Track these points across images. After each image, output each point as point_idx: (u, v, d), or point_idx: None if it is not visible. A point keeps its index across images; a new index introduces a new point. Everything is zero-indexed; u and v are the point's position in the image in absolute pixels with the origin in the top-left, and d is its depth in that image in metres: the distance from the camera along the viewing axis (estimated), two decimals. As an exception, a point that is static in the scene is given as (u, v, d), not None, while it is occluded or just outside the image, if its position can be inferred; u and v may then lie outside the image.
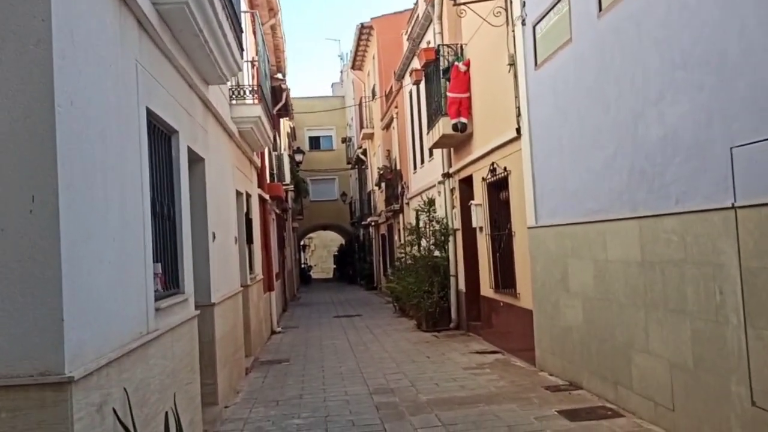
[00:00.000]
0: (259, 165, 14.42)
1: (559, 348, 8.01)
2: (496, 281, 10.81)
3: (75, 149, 3.38)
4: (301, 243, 46.25)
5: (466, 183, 12.78)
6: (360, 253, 36.98)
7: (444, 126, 11.96)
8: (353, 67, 33.35)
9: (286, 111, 25.68)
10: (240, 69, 7.65)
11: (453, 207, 13.72)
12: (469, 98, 11.84)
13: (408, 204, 20.51)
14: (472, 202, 11.81)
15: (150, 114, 5.06)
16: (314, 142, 44.61)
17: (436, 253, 14.35)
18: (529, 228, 8.92)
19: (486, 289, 11.48)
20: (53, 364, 3.10)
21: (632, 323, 6.09)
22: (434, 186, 15.36)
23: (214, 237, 7.65)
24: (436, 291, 13.87)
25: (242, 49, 7.55)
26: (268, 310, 14.88)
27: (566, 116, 7.52)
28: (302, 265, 44.36)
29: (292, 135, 34.50)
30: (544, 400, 7.04)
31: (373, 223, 30.11)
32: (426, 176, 16.84)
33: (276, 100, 22.05)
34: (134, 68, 4.63)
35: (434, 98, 12.88)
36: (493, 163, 10.45)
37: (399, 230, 22.25)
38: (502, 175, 10.06)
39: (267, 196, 15.51)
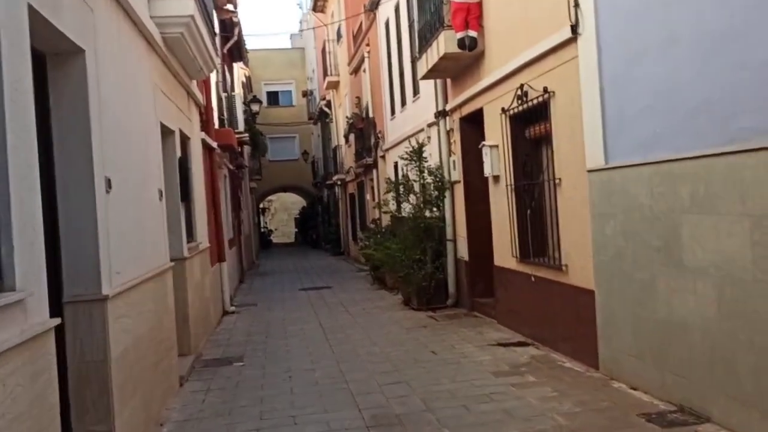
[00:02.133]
0: (204, 103, 11.27)
1: (655, 351, 5.26)
2: (523, 248, 8.02)
3: None
4: (260, 206, 43.03)
5: (472, 121, 9.88)
6: (324, 216, 34.10)
7: (446, 42, 8.95)
8: (315, 9, 30.01)
9: (239, 53, 22.34)
10: None
11: (451, 153, 10.83)
12: (480, 4, 8.87)
13: (384, 157, 17.57)
14: (483, 143, 8.93)
15: None
16: (272, 98, 41.26)
17: (427, 213, 11.49)
18: (591, 171, 6.09)
19: (504, 257, 8.68)
20: None
21: None
22: (422, 130, 12.42)
23: (109, 185, 4.63)
24: (429, 260, 11.04)
25: None
26: (218, 286, 11.90)
27: (683, -16, 4.65)
28: (262, 230, 41.26)
29: (248, 86, 31.01)
30: (663, 448, 4.30)
31: (339, 182, 27.13)
32: (410, 120, 13.88)
33: (227, 36, 18.76)
34: None
35: (429, 9, 9.85)
36: (522, 86, 7.54)
37: (373, 188, 19.34)
38: (539, 100, 7.18)
39: (214, 144, 12.38)
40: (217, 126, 13.76)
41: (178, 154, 8.08)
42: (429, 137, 11.99)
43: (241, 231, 20.29)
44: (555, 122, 6.91)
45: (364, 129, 19.76)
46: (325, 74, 27.56)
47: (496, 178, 8.80)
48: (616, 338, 5.85)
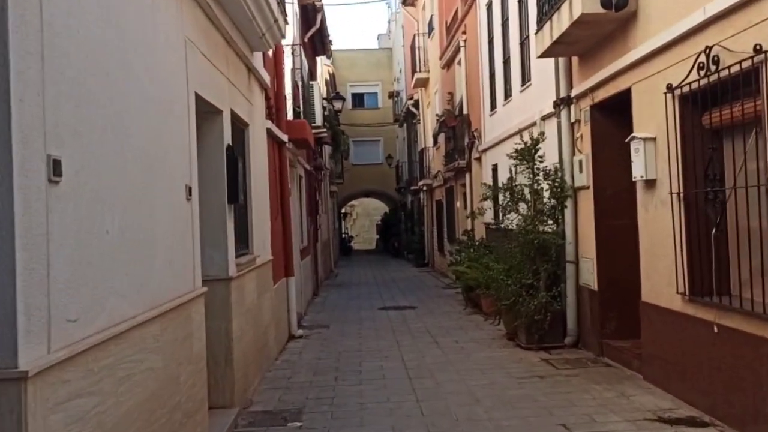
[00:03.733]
0: (272, 86, 9.42)
1: None
2: (698, 282, 5.64)
3: None
4: (342, 211, 41.54)
5: (609, 108, 7.59)
6: (407, 223, 32.03)
7: (584, 0, 6.69)
8: (404, 3, 28.11)
9: (322, 44, 20.61)
10: None
11: (576, 152, 8.51)
12: (634, -52, 6.56)
13: (479, 159, 15.32)
14: (634, 135, 6.59)
15: None
16: (357, 100, 39.86)
17: (540, 226, 9.14)
18: None
19: (661, 292, 6.31)
20: None
21: None
22: (534, 125, 10.11)
23: (57, 171, 2.67)
24: (543, 286, 8.73)
25: None
26: (283, 306, 9.98)
27: None
28: (342, 235, 39.72)
29: (332, 85, 29.41)
30: None
31: (425, 188, 25.01)
32: (515, 114, 11.59)
33: (308, 24, 17.05)
34: None
35: (558, -37, 7.59)
36: (707, 50, 5.20)
37: (465, 194, 17.12)
38: (741, 66, 4.82)
39: (285, 138, 10.50)
40: (290, 116, 11.94)
41: (227, 141, 6.16)
42: (543, 133, 9.68)
43: (317, 238, 18.50)
44: (774, 97, 4.54)
45: (456, 127, 17.55)
46: (414, 71, 25.56)
47: (651, 183, 6.44)
48: None
